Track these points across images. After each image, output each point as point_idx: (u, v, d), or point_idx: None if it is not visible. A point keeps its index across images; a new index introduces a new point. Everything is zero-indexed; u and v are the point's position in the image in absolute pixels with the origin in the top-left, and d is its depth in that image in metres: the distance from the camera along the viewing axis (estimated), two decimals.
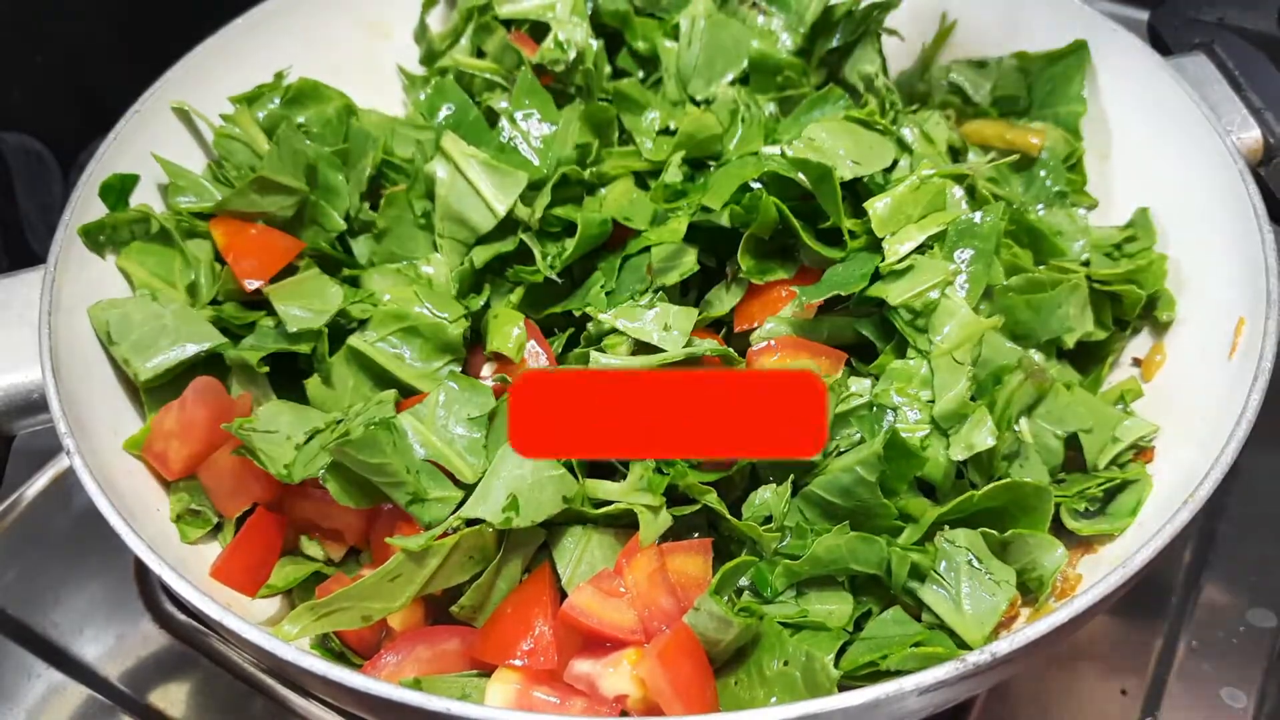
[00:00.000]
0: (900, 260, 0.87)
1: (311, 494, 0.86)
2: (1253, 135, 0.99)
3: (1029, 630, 0.69)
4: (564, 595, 0.81)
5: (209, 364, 0.92)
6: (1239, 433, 0.78)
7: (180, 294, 0.95)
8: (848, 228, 0.90)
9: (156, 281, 0.95)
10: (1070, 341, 0.91)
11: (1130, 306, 0.95)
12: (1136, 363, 0.97)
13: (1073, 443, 0.88)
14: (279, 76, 1.09)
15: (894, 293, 0.87)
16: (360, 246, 1.01)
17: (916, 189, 0.90)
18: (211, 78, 1.06)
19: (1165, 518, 0.75)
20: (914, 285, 0.87)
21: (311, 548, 0.87)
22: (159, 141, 1.02)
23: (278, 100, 1.07)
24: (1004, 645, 0.69)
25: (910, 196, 0.90)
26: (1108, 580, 0.71)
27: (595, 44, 1.06)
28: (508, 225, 0.95)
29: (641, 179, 1.01)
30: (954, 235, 0.89)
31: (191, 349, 0.90)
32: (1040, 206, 1.02)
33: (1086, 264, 0.96)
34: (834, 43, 1.08)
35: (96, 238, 0.95)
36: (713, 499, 0.81)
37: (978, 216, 0.89)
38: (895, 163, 0.95)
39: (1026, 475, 0.85)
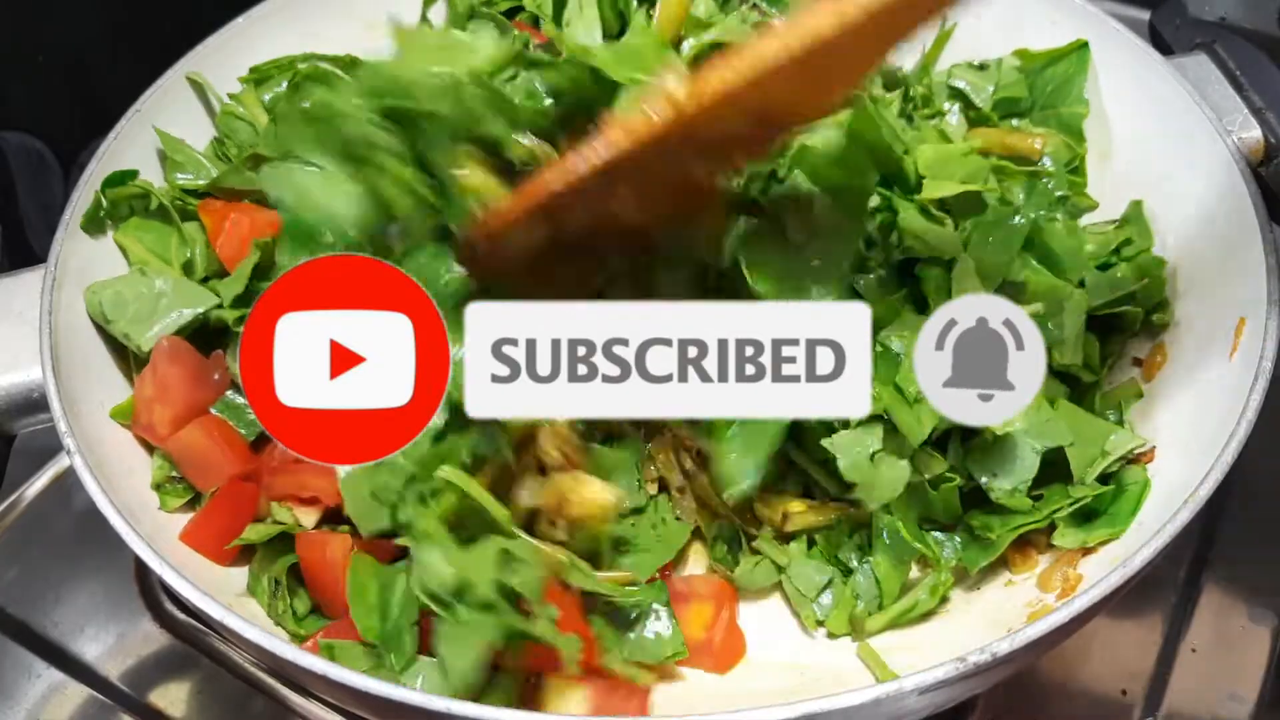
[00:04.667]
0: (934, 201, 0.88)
1: (290, 467, 0.86)
2: (1254, 135, 0.99)
3: (1029, 630, 0.69)
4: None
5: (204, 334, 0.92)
6: (1239, 433, 0.78)
7: (175, 271, 0.96)
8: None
9: (152, 258, 0.96)
10: (1056, 358, 0.91)
11: (1130, 322, 0.95)
12: (1137, 363, 0.97)
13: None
14: (291, 61, 1.09)
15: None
16: None
17: (966, 154, 0.91)
18: (211, 77, 1.06)
19: (1165, 518, 0.75)
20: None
21: (282, 514, 0.87)
22: (159, 140, 1.02)
23: (285, 84, 1.07)
24: (1004, 645, 0.69)
25: (958, 158, 0.91)
26: (1108, 580, 0.71)
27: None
28: None
29: None
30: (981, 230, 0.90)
31: (189, 313, 0.91)
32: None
33: (1082, 285, 0.95)
34: None
35: (95, 215, 0.95)
36: None
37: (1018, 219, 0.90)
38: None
39: (1003, 485, 0.86)
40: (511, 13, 1.13)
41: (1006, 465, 0.86)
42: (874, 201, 0.89)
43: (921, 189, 0.88)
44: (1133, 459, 0.89)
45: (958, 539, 0.89)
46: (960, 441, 0.87)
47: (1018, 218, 0.91)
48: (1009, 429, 0.83)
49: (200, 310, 0.91)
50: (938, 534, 0.89)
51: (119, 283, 0.93)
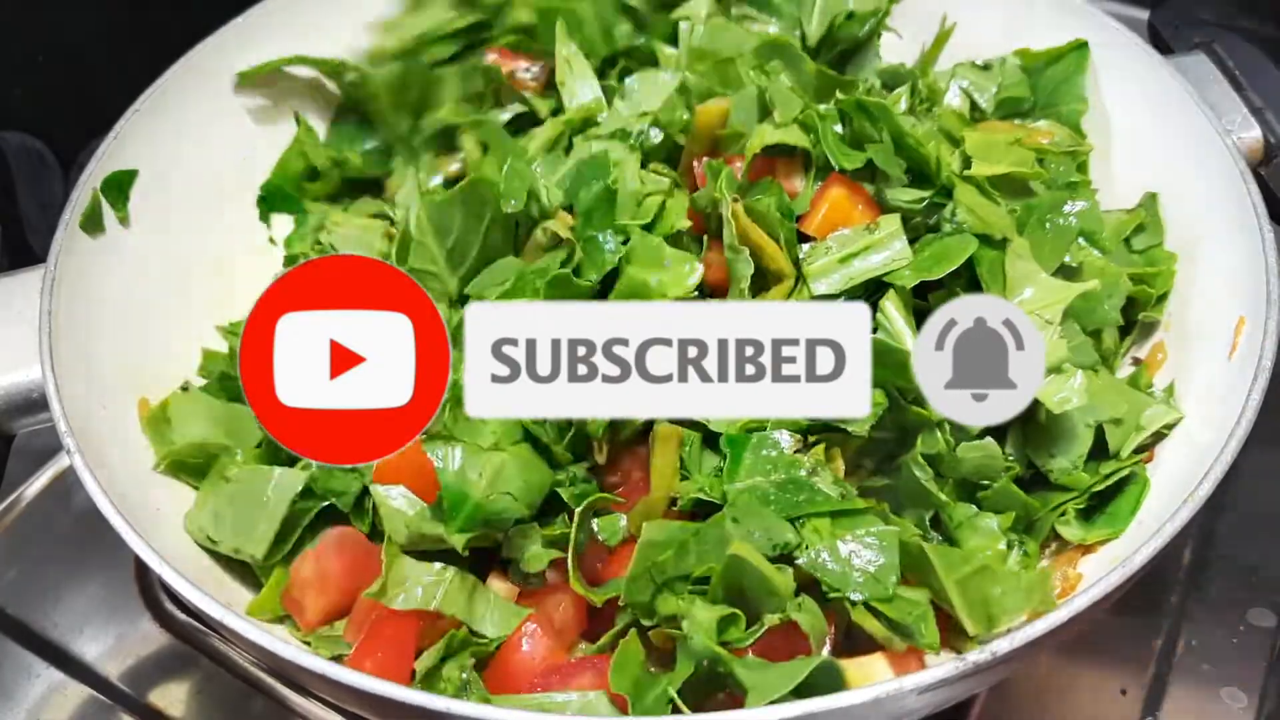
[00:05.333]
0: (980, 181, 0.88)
1: None
2: (1253, 135, 0.99)
3: (1029, 629, 0.69)
4: None
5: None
6: (1239, 433, 0.78)
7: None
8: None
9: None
10: (1106, 340, 0.92)
11: (1139, 307, 0.95)
12: (1137, 363, 0.97)
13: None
14: (277, 65, 1.09)
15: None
16: None
17: (1011, 143, 0.92)
18: (210, 77, 1.07)
19: (1165, 517, 0.75)
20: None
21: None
22: (159, 140, 1.02)
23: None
24: (1004, 644, 0.69)
25: (1004, 145, 0.91)
26: (1108, 579, 0.71)
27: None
28: None
29: None
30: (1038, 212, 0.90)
31: (283, 507, 0.86)
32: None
33: None
34: (840, 46, 1.08)
35: (95, 215, 0.95)
36: None
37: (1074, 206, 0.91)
38: None
39: (1061, 464, 0.87)
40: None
41: (1062, 443, 0.87)
42: (910, 197, 0.90)
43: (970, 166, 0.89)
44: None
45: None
46: (1020, 426, 0.87)
47: (1076, 203, 0.91)
48: (1066, 406, 0.83)
49: (298, 492, 0.87)
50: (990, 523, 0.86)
51: (210, 499, 0.89)
